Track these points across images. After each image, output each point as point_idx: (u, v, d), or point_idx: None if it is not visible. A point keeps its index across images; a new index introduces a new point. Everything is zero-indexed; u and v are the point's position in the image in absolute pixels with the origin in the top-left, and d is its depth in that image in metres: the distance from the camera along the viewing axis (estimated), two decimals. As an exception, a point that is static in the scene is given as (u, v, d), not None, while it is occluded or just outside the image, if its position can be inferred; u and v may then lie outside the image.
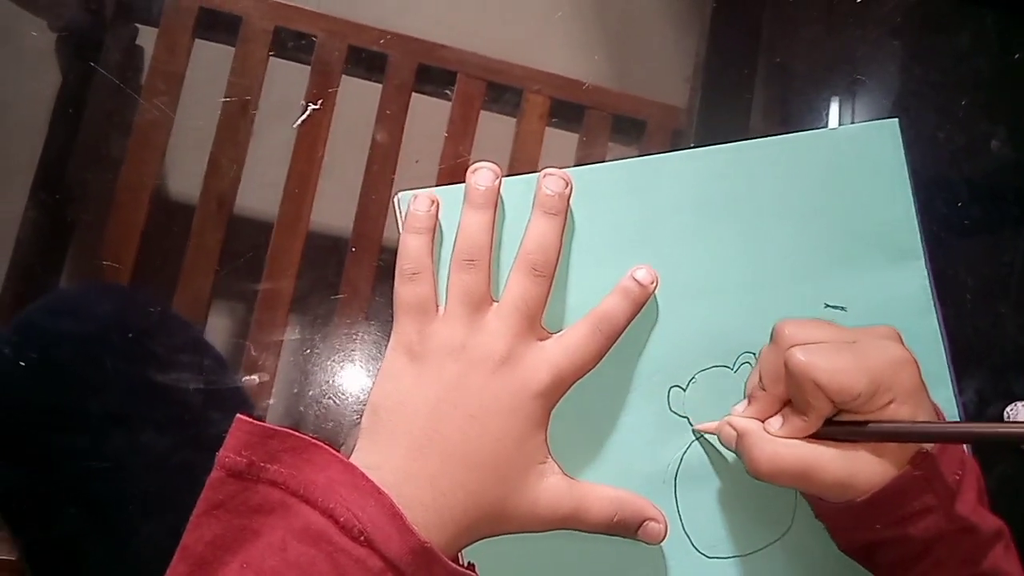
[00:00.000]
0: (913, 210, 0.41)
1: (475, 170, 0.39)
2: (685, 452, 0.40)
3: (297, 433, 0.34)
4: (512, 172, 0.62)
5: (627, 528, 0.37)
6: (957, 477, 0.35)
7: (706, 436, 0.40)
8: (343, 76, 0.74)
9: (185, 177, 0.72)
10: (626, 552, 0.38)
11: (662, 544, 0.39)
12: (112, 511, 0.39)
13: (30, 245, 0.68)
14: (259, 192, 0.71)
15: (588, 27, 0.94)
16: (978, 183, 0.57)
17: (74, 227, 0.67)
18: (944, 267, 0.43)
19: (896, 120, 0.41)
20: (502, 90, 0.78)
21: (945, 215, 0.52)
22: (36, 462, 0.39)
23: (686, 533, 0.39)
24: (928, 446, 0.34)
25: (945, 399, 0.41)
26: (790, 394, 0.35)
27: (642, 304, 0.39)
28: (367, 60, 0.75)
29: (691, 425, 0.40)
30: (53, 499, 0.39)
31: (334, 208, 0.70)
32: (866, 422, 0.34)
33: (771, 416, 0.37)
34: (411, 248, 0.38)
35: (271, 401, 0.55)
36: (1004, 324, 0.55)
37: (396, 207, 0.39)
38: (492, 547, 0.37)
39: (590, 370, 0.38)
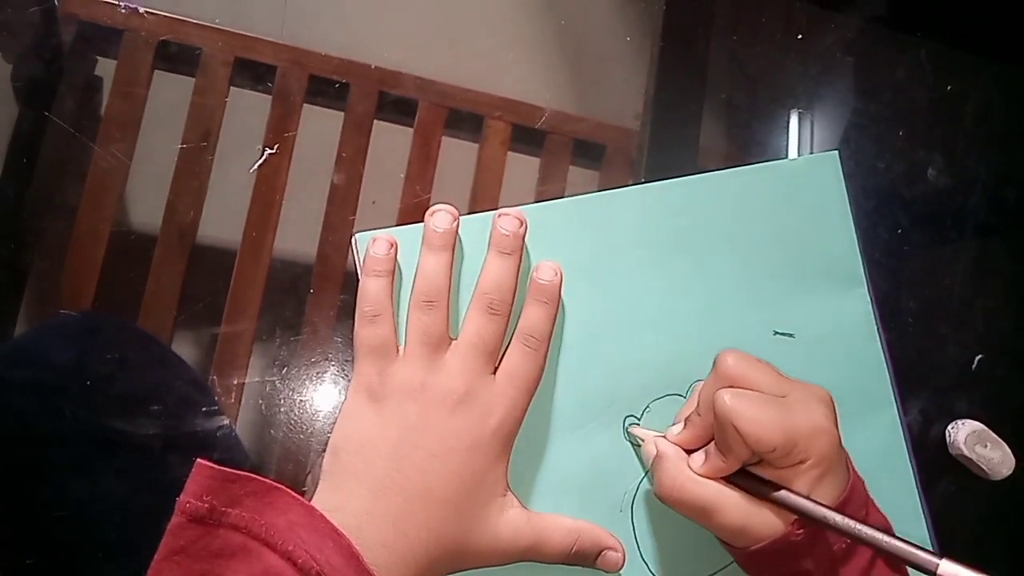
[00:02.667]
0: (855, 238, 0.43)
1: (433, 212, 0.39)
2: (641, 481, 0.41)
3: (258, 477, 0.34)
4: (475, 197, 0.63)
5: (586, 558, 0.38)
6: (843, 546, 0.35)
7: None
8: (304, 105, 0.75)
9: (143, 220, 0.72)
10: None
11: (620, 572, 0.40)
12: (74, 558, 0.38)
13: None
14: (219, 231, 0.71)
15: (545, 58, 0.95)
16: (917, 209, 0.59)
17: (29, 274, 0.67)
18: (887, 291, 0.44)
19: (836, 152, 0.43)
20: (463, 117, 0.79)
21: (887, 240, 0.53)
22: (4, 516, 0.39)
23: (643, 560, 0.40)
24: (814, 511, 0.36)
25: (890, 419, 0.43)
26: (715, 432, 0.37)
27: (558, 300, 0.39)
28: (328, 89, 0.76)
29: (628, 434, 0.41)
30: (14, 547, 0.39)
31: (294, 248, 0.70)
32: (770, 482, 0.35)
33: (699, 445, 0.38)
34: (371, 291, 0.38)
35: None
36: (945, 345, 0.57)
37: (355, 248, 0.40)
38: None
39: (537, 385, 0.39)
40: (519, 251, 0.39)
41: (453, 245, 0.39)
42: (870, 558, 0.36)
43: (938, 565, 0.31)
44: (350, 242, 0.40)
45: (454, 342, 0.38)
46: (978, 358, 0.57)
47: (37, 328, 0.47)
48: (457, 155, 0.79)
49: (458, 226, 0.40)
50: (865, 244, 0.43)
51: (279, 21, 0.95)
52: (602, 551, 0.39)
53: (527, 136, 0.80)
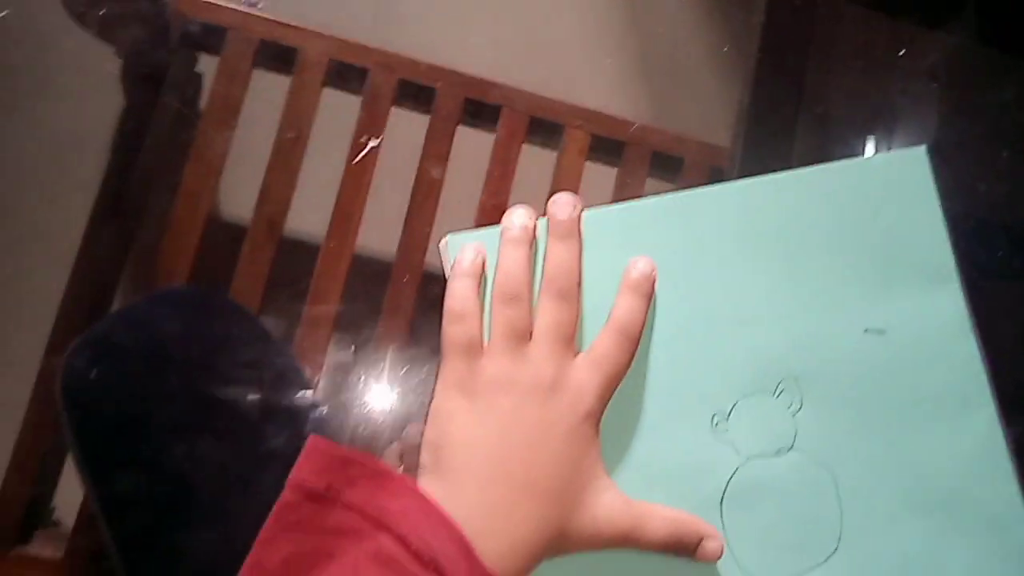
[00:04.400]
0: (946, 235, 0.42)
1: (511, 212, 0.40)
2: (731, 477, 0.41)
3: (373, 459, 0.36)
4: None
5: (685, 546, 0.39)
6: None
7: (752, 462, 0.41)
8: (392, 107, 0.77)
9: (238, 201, 0.75)
10: (676, 572, 0.40)
11: (718, 567, 0.40)
12: (170, 515, 0.40)
13: (91, 261, 0.71)
14: (308, 218, 0.73)
15: (632, 68, 0.97)
16: (1018, 233, 0.58)
17: (132, 245, 0.70)
18: (984, 315, 0.44)
19: (924, 147, 0.43)
20: (544, 125, 0.80)
21: (985, 263, 0.53)
22: (102, 468, 0.41)
23: (734, 556, 0.40)
24: None
25: (987, 419, 0.42)
26: None
27: (651, 296, 0.40)
28: (416, 93, 0.78)
29: (736, 451, 0.41)
30: (116, 501, 0.41)
31: (376, 244, 0.73)
32: None
33: None
34: (457, 291, 0.39)
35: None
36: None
37: (444, 250, 0.41)
38: (550, 571, 0.38)
39: (624, 375, 0.39)
40: (577, 234, 0.40)
41: (531, 242, 0.40)
42: None
43: None
44: (439, 244, 0.41)
45: (534, 333, 0.39)
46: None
47: (149, 297, 0.50)
48: (536, 162, 0.81)
49: (536, 224, 0.40)
50: (963, 266, 0.43)
51: (372, 26, 0.98)
52: (701, 540, 0.39)
53: (606, 146, 0.81)
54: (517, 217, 0.40)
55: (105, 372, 0.40)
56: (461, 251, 0.40)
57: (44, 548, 0.68)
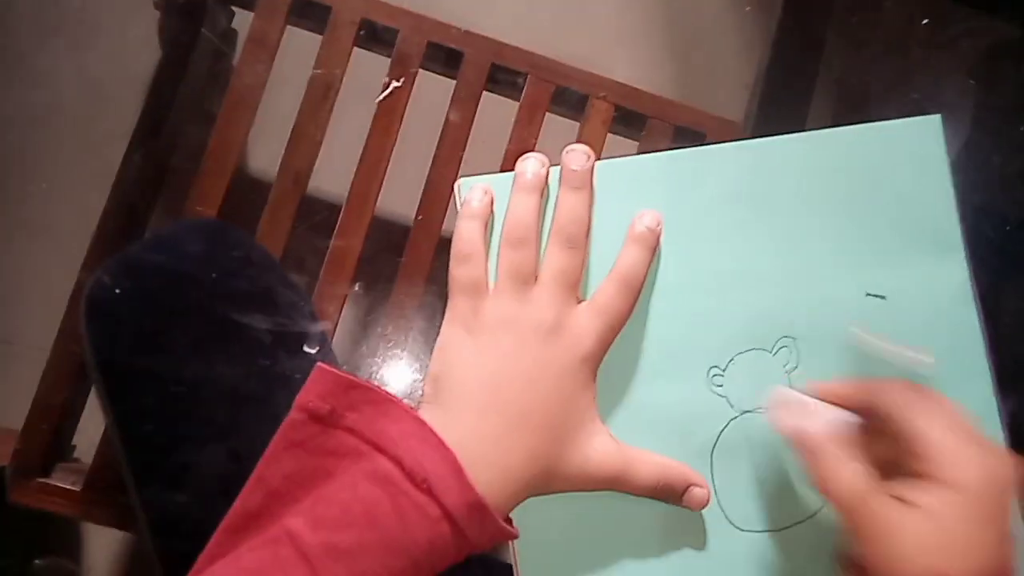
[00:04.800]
0: (954, 204, 0.43)
1: (525, 159, 0.41)
2: (723, 429, 0.42)
3: (376, 387, 0.37)
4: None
5: (672, 492, 0.40)
6: None
7: (745, 416, 0.42)
8: (420, 70, 0.78)
9: (268, 153, 0.77)
10: (663, 518, 0.41)
11: (703, 515, 0.41)
12: (184, 428, 0.42)
13: (130, 185, 0.74)
14: (336, 165, 0.75)
15: (657, 38, 0.97)
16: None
17: (166, 176, 0.73)
18: (986, 290, 0.44)
19: (939, 116, 0.43)
20: (569, 95, 0.80)
21: (991, 239, 0.53)
22: (118, 379, 0.43)
23: (721, 507, 0.42)
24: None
25: (984, 388, 0.42)
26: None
27: (655, 249, 0.41)
28: (444, 56, 0.79)
29: (730, 405, 0.42)
30: (134, 413, 0.43)
31: (401, 198, 0.74)
32: None
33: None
34: (465, 232, 0.40)
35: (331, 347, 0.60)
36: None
37: (456, 192, 0.42)
38: (539, 509, 0.40)
39: (624, 323, 0.40)
40: (589, 185, 0.41)
41: (542, 190, 0.41)
42: None
43: None
44: (452, 188, 0.42)
45: (539, 277, 0.40)
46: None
47: (175, 224, 0.52)
48: (558, 131, 0.82)
49: (547, 174, 0.41)
50: (969, 240, 0.43)
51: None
52: (688, 487, 0.40)
53: (629, 119, 0.82)
54: (530, 164, 0.41)
55: (127, 288, 0.42)
56: (470, 192, 0.41)
57: (64, 480, 0.71)
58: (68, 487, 0.70)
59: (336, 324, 0.71)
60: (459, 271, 0.40)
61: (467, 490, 0.35)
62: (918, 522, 0.34)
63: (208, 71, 0.75)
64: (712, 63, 0.89)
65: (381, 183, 0.76)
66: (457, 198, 0.42)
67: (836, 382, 0.39)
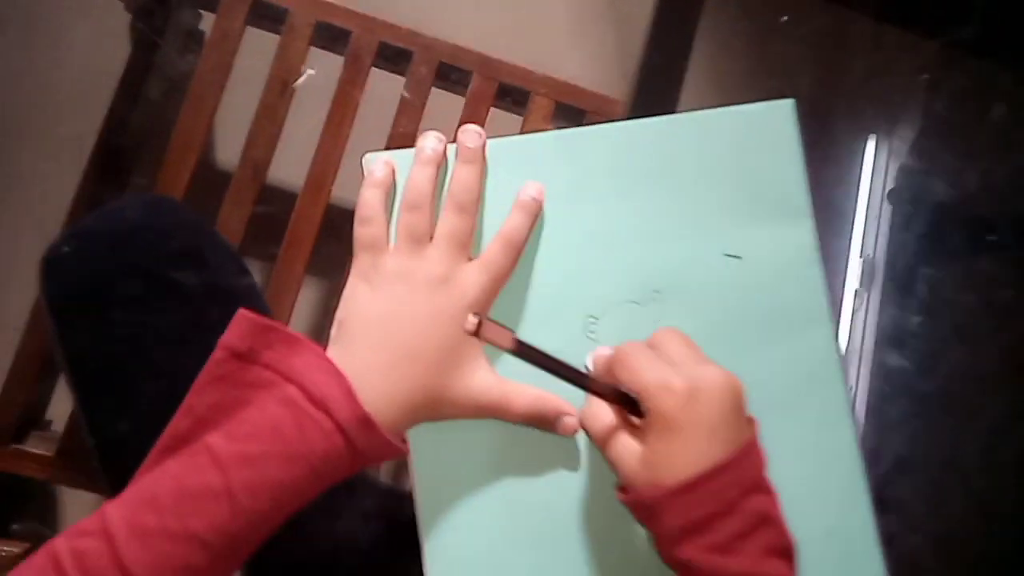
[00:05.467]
0: (803, 177, 0.48)
1: (424, 136, 0.47)
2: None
3: (287, 328, 0.43)
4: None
5: (545, 420, 0.46)
6: (703, 514, 0.38)
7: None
8: (372, 68, 0.84)
9: (226, 153, 0.82)
10: (544, 444, 0.47)
11: (577, 438, 0.46)
12: (124, 373, 0.48)
13: (97, 176, 0.79)
14: (289, 167, 0.81)
15: (600, 39, 1.03)
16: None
17: (135, 164, 0.79)
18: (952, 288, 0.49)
19: (792, 100, 0.49)
20: (512, 91, 0.86)
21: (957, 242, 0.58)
22: (68, 326, 0.48)
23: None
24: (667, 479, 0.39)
25: (825, 336, 0.48)
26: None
27: (537, 215, 0.47)
28: (394, 56, 0.85)
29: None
30: (80, 361, 0.49)
31: (357, 177, 0.79)
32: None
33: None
34: (367, 198, 0.46)
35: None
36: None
37: (363, 166, 0.48)
38: (435, 436, 0.46)
39: (507, 278, 0.46)
40: (480, 160, 0.47)
41: (439, 163, 0.47)
42: (740, 529, 0.38)
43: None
44: (361, 160, 0.47)
45: (433, 237, 0.46)
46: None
47: (119, 198, 0.57)
48: (502, 126, 0.87)
49: (444, 148, 0.47)
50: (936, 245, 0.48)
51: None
52: (559, 416, 0.46)
53: (568, 114, 0.87)
54: (428, 141, 0.47)
55: (76, 248, 0.48)
56: (374, 164, 0.47)
57: (37, 446, 0.76)
58: (41, 452, 0.75)
59: (293, 305, 0.77)
60: (361, 231, 0.46)
61: (356, 407, 0.41)
62: (639, 447, 0.41)
63: (174, 68, 0.81)
64: (601, 53, 0.95)
65: (335, 173, 0.82)
66: (364, 170, 0.48)
67: (602, 351, 0.46)
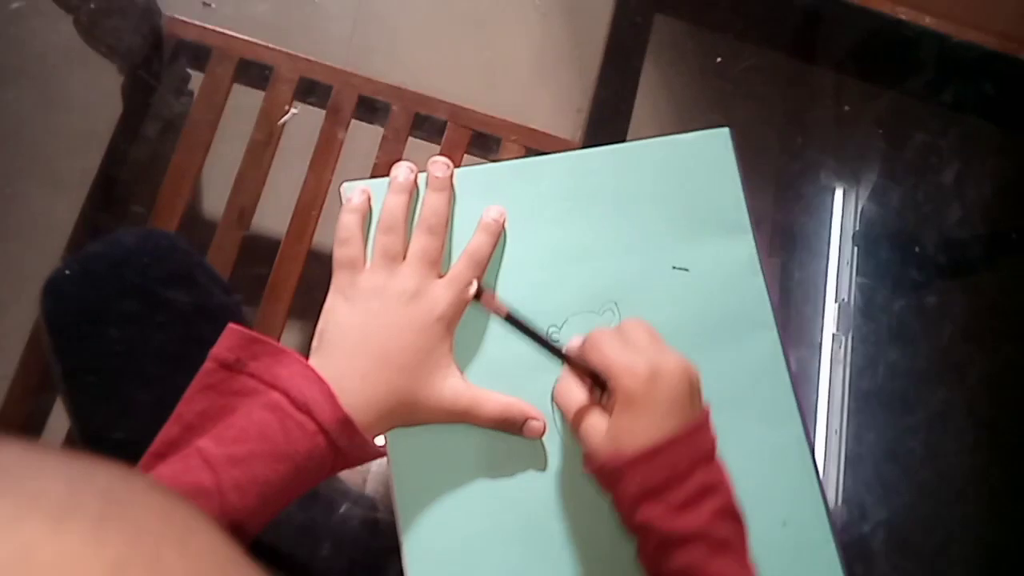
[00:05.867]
0: (743, 197, 0.53)
1: (398, 166, 0.52)
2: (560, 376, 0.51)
3: (273, 341, 0.47)
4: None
5: (513, 424, 0.49)
6: (660, 480, 0.42)
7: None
8: (352, 120, 0.90)
9: (217, 188, 0.87)
10: (513, 446, 0.50)
11: (543, 441, 0.50)
12: (120, 382, 0.51)
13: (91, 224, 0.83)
14: (277, 204, 0.85)
15: (558, 79, 1.11)
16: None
17: (127, 213, 0.83)
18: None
19: (727, 129, 0.54)
20: (485, 138, 0.92)
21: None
22: (66, 343, 0.52)
23: (561, 435, 0.50)
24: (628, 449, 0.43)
25: (771, 340, 0.52)
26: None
27: (499, 235, 0.51)
28: (372, 107, 0.90)
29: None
30: (80, 371, 0.52)
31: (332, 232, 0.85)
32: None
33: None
34: (345, 221, 0.51)
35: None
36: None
37: (341, 194, 0.52)
38: (410, 441, 0.49)
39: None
40: (449, 187, 0.51)
41: (410, 190, 0.51)
42: (692, 494, 0.42)
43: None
44: (339, 189, 0.52)
45: (406, 257, 0.50)
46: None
47: (128, 230, 0.62)
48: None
49: (416, 178, 0.52)
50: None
51: (343, 49, 1.12)
52: (526, 420, 0.49)
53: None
54: (401, 171, 0.52)
55: (75, 271, 0.52)
56: (351, 192, 0.51)
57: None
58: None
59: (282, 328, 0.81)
60: (340, 252, 0.50)
61: (337, 409, 0.44)
62: (604, 422, 0.45)
63: (170, 110, 0.86)
64: (559, 91, 1.02)
65: (317, 219, 0.86)
66: (342, 198, 0.52)
67: (575, 340, 0.50)
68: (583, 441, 0.46)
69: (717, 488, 0.44)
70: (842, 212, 1.27)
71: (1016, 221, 1.01)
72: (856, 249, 1.17)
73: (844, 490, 0.87)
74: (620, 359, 0.45)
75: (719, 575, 0.42)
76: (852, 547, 0.50)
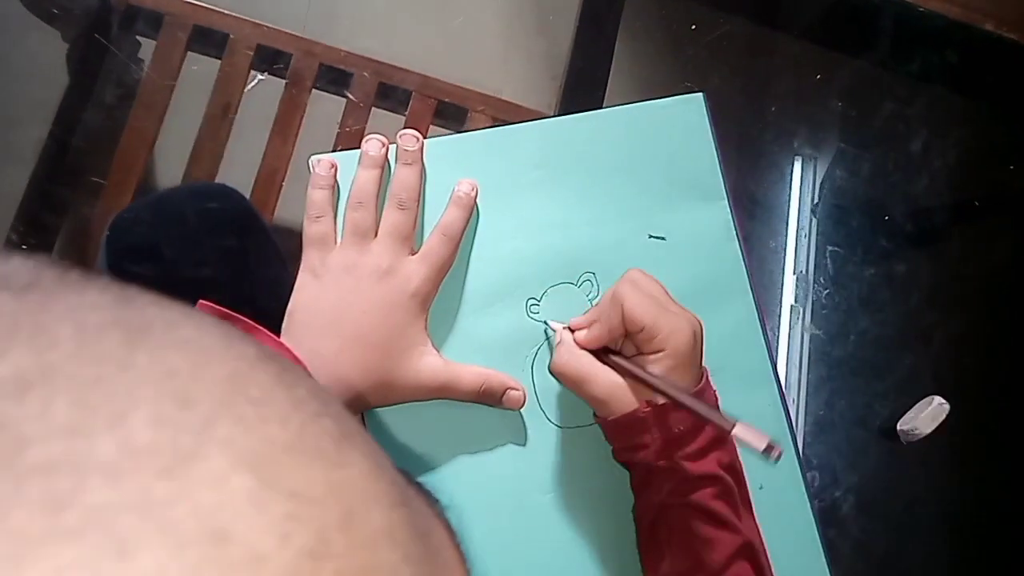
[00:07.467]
0: (717, 162, 0.52)
1: (368, 139, 0.50)
2: (540, 347, 0.50)
3: (244, 318, 0.44)
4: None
5: (492, 396, 0.48)
6: (680, 430, 0.44)
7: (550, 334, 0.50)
8: (313, 90, 0.86)
9: (168, 174, 0.84)
10: (493, 421, 0.49)
11: (523, 414, 0.49)
12: None
13: (35, 215, 0.80)
14: (235, 177, 0.82)
15: (530, 49, 1.08)
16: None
17: (69, 209, 0.80)
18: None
19: (701, 94, 0.53)
20: (451, 108, 0.90)
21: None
22: (125, 277, 0.51)
23: (541, 408, 0.49)
24: (660, 399, 0.44)
25: (746, 305, 0.52)
26: (605, 309, 0.46)
27: (471, 208, 0.50)
28: (335, 77, 0.87)
29: (545, 324, 0.50)
30: None
31: (300, 195, 0.82)
32: (635, 363, 0.45)
33: (597, 341, 0.46)
34: (315, 197, 0.48)
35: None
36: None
37: (310, 167, 0.50)
38: (389, 420, 0.47)
39: (449, 268, 0.48)
40: (419, 161, 0.50)
41: (382, 164, 0.49)
42: (703, 445, 0.44)
43: (734, 425, 0.41)
44: (308, 162, 0.50)
45: (377, 233, 0.48)
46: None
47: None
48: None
49: (387, 151, 0.50)
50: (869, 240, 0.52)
51: (302, 16, 1.08)
52: (506, 391, 0.48)
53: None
54: (371, 145, 0.49)
55: (141, 214, 0.57)
56: (319, 165, 0.49)
57: None
58: None
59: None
60: (310, 228, 0.48)
61: None
62: (618, 377, 0.46)
63: (115, 93, 0.82)
64: (532, 61, 1.01)
65: (279, 192, 0.84)
66: (310, 170, 0.50)
67: (582, 318, 0.48)
68: (599, 399, 0.46)
69: (722, 439, 0.46)
70: (800, 183, 1.27)
71: (979, 189, 1.02)
72: (815, 220, 1.18)
73: (816, 457, 0.88)
74: (668, 323, 0.45)
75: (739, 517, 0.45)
76: (823, 513, 0.51)
